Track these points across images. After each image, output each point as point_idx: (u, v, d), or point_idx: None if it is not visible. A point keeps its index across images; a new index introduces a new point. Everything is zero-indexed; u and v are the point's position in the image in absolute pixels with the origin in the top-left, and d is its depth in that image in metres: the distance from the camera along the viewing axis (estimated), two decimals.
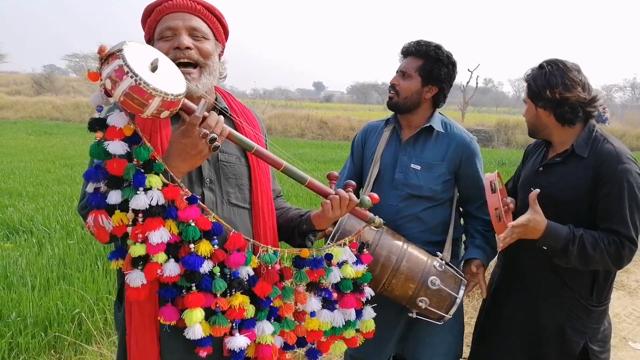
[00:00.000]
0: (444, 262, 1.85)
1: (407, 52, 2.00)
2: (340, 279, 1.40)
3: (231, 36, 1.42)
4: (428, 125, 1.97)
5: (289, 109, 24.84)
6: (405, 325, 1.97)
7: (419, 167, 1.96)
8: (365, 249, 1.49)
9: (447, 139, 1.98)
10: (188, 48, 1.25)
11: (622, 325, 3.73)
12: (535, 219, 1.62)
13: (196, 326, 1.16)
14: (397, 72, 2.02)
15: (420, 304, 1.75)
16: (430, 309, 1.76)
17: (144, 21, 1.33)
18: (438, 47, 1.96)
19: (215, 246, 1.19)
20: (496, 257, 2.05)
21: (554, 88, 1.69)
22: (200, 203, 1.19)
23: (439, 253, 1.89)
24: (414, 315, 1.84)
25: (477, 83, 25.99)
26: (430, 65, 1.93)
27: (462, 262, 1.99)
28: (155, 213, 1.11)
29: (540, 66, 1.76)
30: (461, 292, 1.79)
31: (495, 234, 1.80)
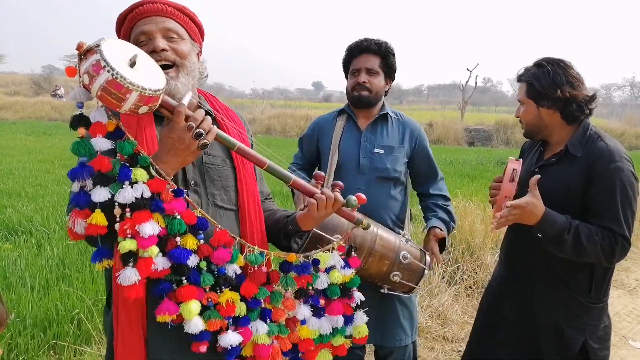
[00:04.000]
0: (407, 238, 2.02)
1: (367, 49, 2.13)
2: (328, 285, 1.37)
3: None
4: (384, 113, 2.18)
5: (288, 109, 24.85)
6: (374, 318, 2.01)
7: (382, 151, 2.13)
8: (353, 252, 1.44)
9: (401, 125, 2.21)
10: (164, 50, 1.25)
11: (622, 324, 3.73)
12: (533, 202, 1.60)
13: (195, 319, 1.15)
14: (359, 70, 2.13)
15: (394, 278, 1.89)
16: (403, 282, 1.91)
17: (118, 30, 1.34)
18: (387, 42, 2.15)
19: (201, 241, 1.19)
20: (497, 257, 2.07)
21: (561, 87, 1.67)
22: (186, 197, 1.19)
23: (400, 231, 2.07)
24: (385, 291, 1.97)
25: (476, 82, 26.06)
26: (391, 60, 2.15)
27: (425, 230, 2.18)
28: (142, 206, 1.10)
29: (539, 64, 1.73)
30: (427, 262, 1.97)
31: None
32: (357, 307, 1.46)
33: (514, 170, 1.67)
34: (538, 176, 1.62)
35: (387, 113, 2.19)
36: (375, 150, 2.13)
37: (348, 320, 1.43)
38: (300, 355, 1.40)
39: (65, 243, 4.16)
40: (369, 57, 2.12)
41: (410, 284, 1.92)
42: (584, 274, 1.72)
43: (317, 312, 1.38)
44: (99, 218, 1.08)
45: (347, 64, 2.20)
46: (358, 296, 1.45)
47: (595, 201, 1.64)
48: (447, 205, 2.22)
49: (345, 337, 1.45)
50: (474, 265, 4.25)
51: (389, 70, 2.16)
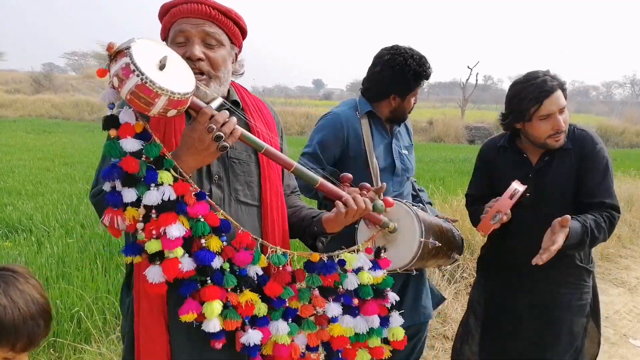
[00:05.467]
0: (446, 219, 2.09)
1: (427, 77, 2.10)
2: (358, 285, 1.35)
3: (246, 36, 1.39)
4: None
5: (288, 107, 24.85)
6: (412, 298, 2.16)
7: (406, 152, 2.21)
8: (382, 254, 1.41)
9: (406, 126, 2.31)
10: (199, 60, 1.23)
11: (623, 322, 3.73)
12: (563, 237, 1.63)
13: (214, 319, 1.16)
14: (414, 95, 2.13)
15: (453, 257, 1.95)
16: (455, 256, 1.96)
17: (160, 18, 1.31)
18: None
19: (224, 242, 1.19)
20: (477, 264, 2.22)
21: None
22: (209, 199, 1.19)
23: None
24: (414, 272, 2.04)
25: (476, 80, 26.10)
26: None
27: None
28: (168, 208, 1.12)
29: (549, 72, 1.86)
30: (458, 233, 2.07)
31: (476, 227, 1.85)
32: (392, 308, 1.43)
33: (515, 189, 1.72)
34: (568, 217, 1.62)
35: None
36: (402, 151, 2.18)
37: (384, 321, 1.41)
38: (340, 355, 1.38)
39: (65, 241, 4.16)
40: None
41: (456, 256, 1.99)
42: None
43: (351, 311, 1.36)
44: (134, 214, 1.12)
45: (409, 85, 2.08)
46: (393, 296, 1.42)
47: (587, 180, 1.81)
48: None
49: (383, 340, 1.42)
50: (474, 263, 4.24)
51: None
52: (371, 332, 1.38)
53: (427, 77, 2.09)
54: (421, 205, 2.14)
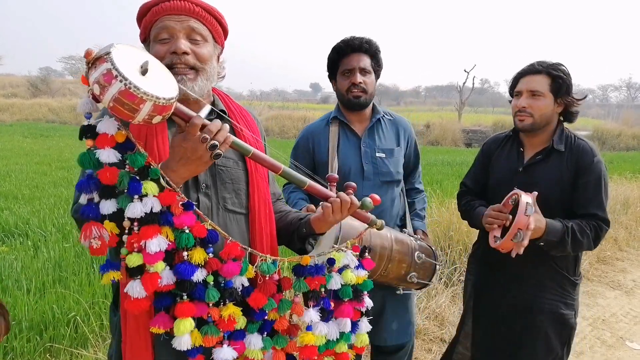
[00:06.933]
0: (417, 237, 2.05)
1: (358, 48, 2.04)
2: (341, 285, 1.34)
3: (228, 37, 1.39)
4: (381, 115, 2.15)
5: (286, 110, 24.86)
6: (390, 317, 2.12)
7: (383, 155, 2.10)
8: (367, 254, 1.41)
9: (394, 125, 2.19)
10: (185, 53, 1.21)
11: (620, 325, 3.74)
12: (539, 219, 1.69)
13: (184, 336, 1.13)
14: (352, 70, 2.03)
15: (411, 279, 1.93)
16: (419, 281, 1.96)
17: (139, 20, 1.29)
18: (374, 40, 2.09)
19: (210, 254, 1.16)
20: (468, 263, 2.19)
21: (572, 88, 1.84)
22: (197, 209, 1.16)
23: (405, 230, 2.08)
24: (401, 292, 2.02)
25: (473, 83, 26.21)
26: (380, 58, 2.11)
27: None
28: (151, 220, 1.07)
29: (555, 64, 1.83)
30: (438, 257, 2.06)
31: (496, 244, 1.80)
32: (364, 314, 1.43)
33: (527, 204, 1.68)
34: (536, 193, 1.70)
35: (386, 114, 2.18)
36: (377, 154, 2.09)
37: (354, 326, 1.40)
38: None
39: (62, 245, 4.15)
40: (361, 56, 2.02)
41: (424, 282, 1.99)
42: (571, 255, 1.87)
43: (326, 317, 1.34)
44: (111, 228, 1.06)
45: (335, 64, 2.09)
46: (368, 302, 1.41)
47: (581, 191, 1.80)
48: (419, 195, 2.32)
49: (349, 345, 1.41)
50: None
51: (378, 69, 2.10)
52: (341, 336, 1.36)
53: (348, 45, 2.02)
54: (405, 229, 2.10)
